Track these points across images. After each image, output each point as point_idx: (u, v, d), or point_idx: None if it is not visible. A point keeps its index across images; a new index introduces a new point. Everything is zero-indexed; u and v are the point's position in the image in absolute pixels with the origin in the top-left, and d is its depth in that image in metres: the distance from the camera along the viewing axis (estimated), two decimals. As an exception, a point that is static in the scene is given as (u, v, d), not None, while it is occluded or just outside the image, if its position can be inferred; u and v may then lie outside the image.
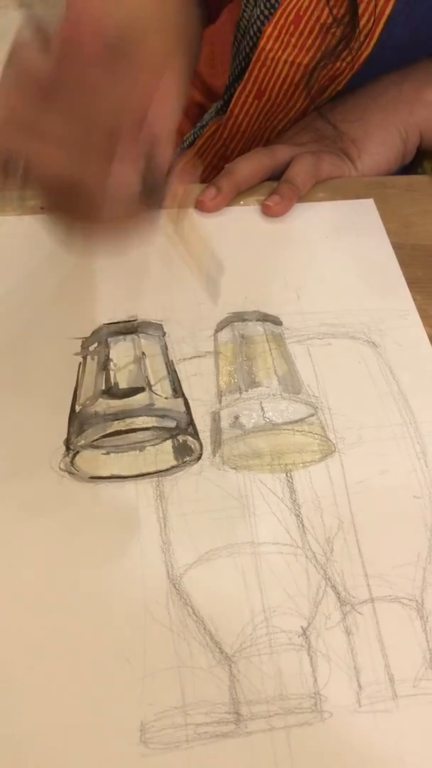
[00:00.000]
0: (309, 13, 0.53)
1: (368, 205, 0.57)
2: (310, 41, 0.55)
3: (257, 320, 0.48)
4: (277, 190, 0.55)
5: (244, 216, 0.55)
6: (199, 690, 0.34)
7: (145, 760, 0.33)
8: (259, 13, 0.57)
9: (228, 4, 0.66)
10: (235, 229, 0.54)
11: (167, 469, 0.41)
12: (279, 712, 0.34)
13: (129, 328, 0.46)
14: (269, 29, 0.55)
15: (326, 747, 0.33)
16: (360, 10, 0.52)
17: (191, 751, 0.33)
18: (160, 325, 0.47)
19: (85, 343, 0.46)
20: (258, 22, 0.57)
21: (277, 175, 0.57)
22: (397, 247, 0.54)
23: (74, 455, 0.41)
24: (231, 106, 0.61)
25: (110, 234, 0.37)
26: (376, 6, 0.52)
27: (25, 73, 0.33)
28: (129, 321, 0.47)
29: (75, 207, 0.35)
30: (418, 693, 0.35)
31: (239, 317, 0.48)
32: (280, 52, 0.55)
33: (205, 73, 0.80)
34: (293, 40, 0.55)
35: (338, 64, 0.55)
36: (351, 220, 0.56)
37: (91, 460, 0.41)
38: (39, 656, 0.35)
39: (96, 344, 0.45)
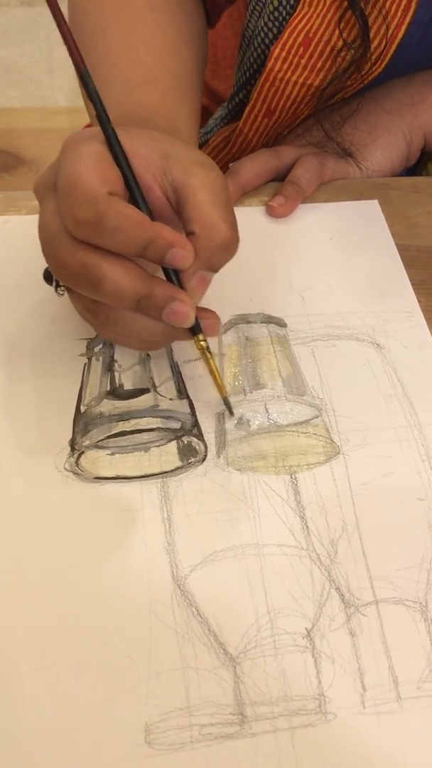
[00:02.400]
0: (319, 35, 0.53)
1: (373, 206, 0.57)
2: (320, 63, 0.54)
3: (262, 322, 0.48)
4: (282, 191, 0.56)
5: (249, 217, 0.55)
6: (204, 691, 0.35)
7: (150, 761, 0.33)
8: (263, 24, 0.57)
9: (227, 8, 0.66)
10: (240, 230, 0.54)
11: (172, 470, 0.41)
12: (283, 714, 0.34)
13: (134, 330, 0.46)
14: (276, 50, 0.54)
15: (330, 748, 0.33)
16: (371, 34, 0.52)
17: (196, 751, 0.33)
18: (165, 326, 0.47)
19: (90, 344, 0.46)
20: (262, 34, 0.57)
21: (281, 176, 0.57)
22: (402, 249, 0.54)
23: (79, 456, 0.41)
24: (241, 125, 0.61)
25: (140, 339, 0.40)
26: (388, 29, 0.52)
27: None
28: (134, 322, 0.47)
29: (117, 313, 0.38)
30: (422, 695, 0.35)
31: (244, 319, 0.48)
32: (289, 74, 0.55)
33: (208, 77, 0.80)
34: (303, 61, 0.54)
35: (347, 82, 0.55)
36: (355, 222, 0.56)
37: (95, 461, 0.41)
38: (44, 657, 0.35)
39: (101, 345, 0.45)
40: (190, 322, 0.37)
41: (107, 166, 0.36)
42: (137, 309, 0.37)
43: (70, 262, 0.36)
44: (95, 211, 0.34)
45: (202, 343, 0.40)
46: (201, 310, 0.39)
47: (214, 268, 0.39)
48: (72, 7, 0.56)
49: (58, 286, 0.42)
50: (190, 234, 0.37)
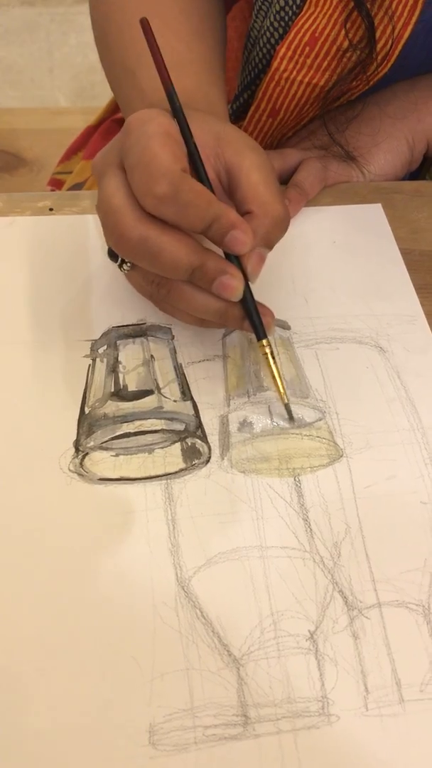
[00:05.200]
0: (325, 35, 0.53)
1: (376, 209, 0.57)
2: (326, 63, 0.54)
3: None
4: (285, 194, 0.56)
5: (253, 219, 0.55)
6: (208, 692, 0.35)
7: (154, 762, 0.33)
8: (269, 25, 0.57)
9: (235, 4, 0.67)
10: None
11: (176, 472, 0.42)
12: (287, 715, 0.34)
13: (138, 331, 0.46)
14: (282, 50, 0.54)
15: (333, 750, 0.34)
16: (377, 34, 0.52)
17: (199, 753, 0.33)
18: (169, 328, 0.47)
19: (95, 345, 0.46)
20: (268, 34, 0.57)
21: (285, 179, 0.58)
22: (405, 253, 0.54)
23: (83, 457, 0.41)
24: (245, 124, 0.61)
25: (195, 316, 0.43)
26: (394, 29, 0.52)
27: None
28: (138, 324, 0.47)
29: (177, 287, 0.41)
30: (425, 697, 0.35)
31: (248, 321, 0.48)
32: (294, 73, 0.55)
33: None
34: (308, 61, 0.54)
35: (353, 83, 0.55)
36: (359, 225, 0.56)
37: (100, 462, 0.41)
38: (48, 658, 0.35)
39: (105, 347, 0.45)
40: (238, 295, 0.39)
41: (176, 145, 0.38)
42: (191, 279, 0.39)
43: (132, 235, 0.38)
44: (172, 186, 0.36)
45: (266, 348, 0.41)
46: (260, 306, 0.41)
47: (270, 245, 0.41)
48: None
49: (123, 262, 0.43)
50: (245, 213, 0.40)
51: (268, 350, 0.41)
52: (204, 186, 0.38)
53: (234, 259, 0.40)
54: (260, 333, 0.41)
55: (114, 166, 0.39)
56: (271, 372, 0.42)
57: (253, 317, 0.41)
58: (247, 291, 0.40)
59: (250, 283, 0.41)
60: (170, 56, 0.49)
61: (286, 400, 0.42)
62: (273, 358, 0.42)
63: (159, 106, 0.41)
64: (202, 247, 0.39)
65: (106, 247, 0.44)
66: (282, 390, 0.42)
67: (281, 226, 0.41)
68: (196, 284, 0.40)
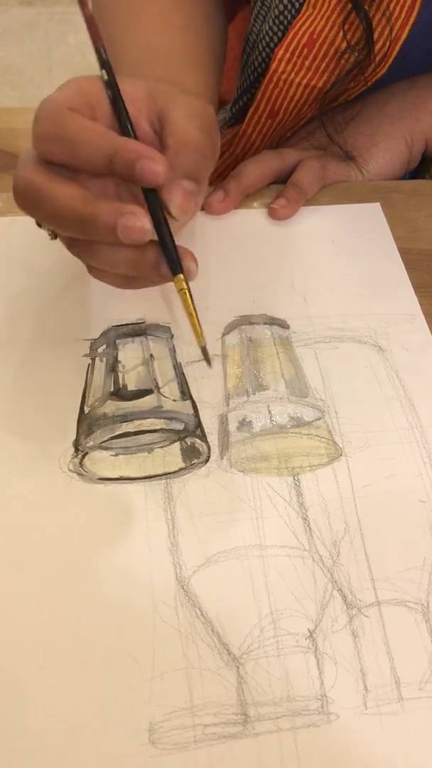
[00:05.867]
0: (323, 36, 0.53)
1: (375, 209, 0.57)
2: (324, 65, 0.54)
3: (264, 323, 0.48)
4: (284, 193, 0.56)
5: (251, 219, 0.55)
6: (207, 691, 0.35)
7: (154, 761, 0.33)
8: (267, 29, 0.57)
9: (243, 6, 0.67)
10: (242, 232, 0.54)
11: (175, 471, 0.42)
12: (286, 714, 0.34)
13: (137, 331, 0.46)
14: (281, 52, 0.54)
15: (333, 748, 0.34)
16: (375, 35, 0.52)
17: (199, 751, 0.33)
18: (168, 327, 0.47)
19: (94, 344, 0.46)
20: (267, 38, 0.57)
21: (283, 179, 0.58)
22: (404, 252, 0.54)
23: (83, 456, 0.41)
24: (244, 126, 0.61)
25: (116, 273, 0.39)
26: (392, 30, 0.52)
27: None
28: (137, 323, 0.47)
29: (87, 245, 0.37)
30: (424, 696, 0.35)
31: (246, 320, 0.48)
32: (293, 75, 0.55)
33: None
34: (307, 63, 0.54)
35: (350, 84, 0.55)
36: (357, 224, 0.56)
37: (99, 462, 0.41)
38: (48, 657, 0.35)
39: (104, 346, 0.45)
40: (146, 236, 0.35)
41: (78, 95, 0.37)
42: (88, 234, 0.36)
43: (20, 184, 0.36)
44: (55, 124, 0.35)
45: (183, 283, 0.37)
46: (182, 251, 0.38)
47: (195, 177, 0.37)
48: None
49: (40, 226, 0.42)
50: (165, 149, 0.37)
51: (184, 284, 0.37)
52: (98, 124, 0.36)
53: (157, 205, 0.36)
54: (175, 267, 0.37)
55: None
56: (187, 309, 0.38)
57: (168, 249, 0.37)
58: (163, 226, 0.37)
59: (179, 221, 0.37)
60: (148, 53, 0.49)
61: (202, 343, 0.38)
62: (190, 294, 0.37)
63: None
64: (92, 197, 0.35)
65: None
66: (198, 329, 0.38)
67: (201, 154, 0.37)
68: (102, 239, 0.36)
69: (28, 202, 0.36)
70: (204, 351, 0.39)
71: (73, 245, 0.39)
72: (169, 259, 0.37)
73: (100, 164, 0.35)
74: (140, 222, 0.34)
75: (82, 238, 0.37)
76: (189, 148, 0.37)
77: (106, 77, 0.38)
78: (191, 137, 0.37)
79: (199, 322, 0.38)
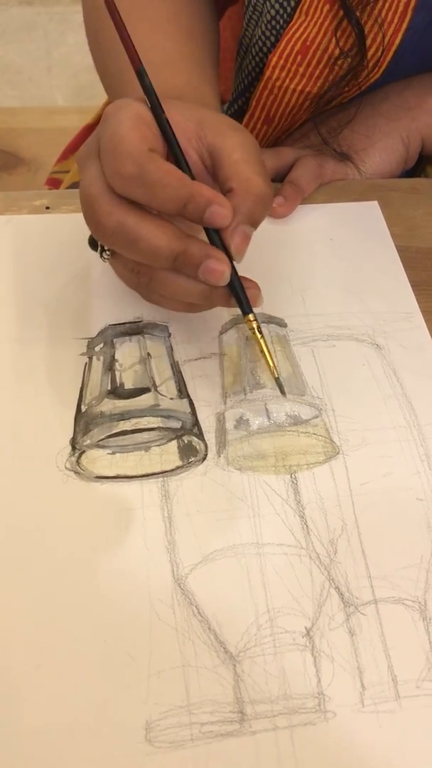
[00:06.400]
0: (316, 43, 0.53)
1: (372, 207, 0.57)
2: (318, 71, 0.54)
3: (262, 322, 0.47)
4: (281, 192, 0.56)
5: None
6: (204, 689, 0.35)
7: (150, 759, 0.33)
8: (260, 33, 0.57)
9: (230, 5, 0.67)
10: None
11: (172, 470, 0.42)
12: (283, 712, 0.34)
13: (134, 329, 0.46)
14: (274, 59, 0.54)
15: (329, 746, 0.34)
16: (368, 41, 0.52)
17: (196, 749, 0.33)
18: (166, 326, 0.47)
19: (91, 343, 0.46)
20: (260, 43, 0.57)
21: (281, 177, 0.58)
22: (401, 250, 0.54)
23: (80, 455, 0.41)
24: None
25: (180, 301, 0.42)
26: (384, 36, 0.52)
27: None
28: (135, 322, 0.47)
29: (155, 273, 0.40)
30: (421, 694, 0.35)
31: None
32: (287, 82, 0.55)
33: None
34: (300, 69, 0.54)
35: (344, 89, 0.55)
36: (355, 222, 0.56)
37: (96, 460, 0.41)
38: (45, 655, 0.35)
39: (102, 345, 0.46)
40: (225, 279, 0.38)
41: (146, 127, 0.38)
42: (174, 268, 0.38)
43: (108, 222, 0.37)
44: (137, 166, 0.36)
45: (253, 323, 0.40)
46: (244, 280, 0.41)
47: (254, 222, 0.40)
48: (85, 1, 0.58)
49: (103, 250, 0.43)
50: (227, 192, 0.39)
51: (254, 325, 0.41)
52: (178, 168, 0.38)
53: (218, 242, 0.39)
54: (246, 308, 0.40)
55: (93, 155, 0.39)
56: (260, 347, 0.41)
57: (238, 294, 0.40)
58: (232, 270, 0.39)
59: (234, 263, 0.40)
60: (161, 55, 0.49)
61: (276, 374, 0.42)
62: (260, 332, 0.41)
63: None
64: (183, 233, 0.38)
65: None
66: (272, 363, 0.41)
67: (264, 203, 0.40)
68: (179, 271, 0.39)
69: (122, 242, 0.38)
70: (278, 382, 0.42)
71: (143, 273, 0.40)
72: (238, 300, 0.40)
73: (175, 207, 0.37)
74: (221, 267, 0.38)
75: (158, 268, 0.39)
76: (253, 197, 0.39)
77: (149, 106, 0.39)
78: (255, 187, 0.39)
79: (271, 356, 0.42)
